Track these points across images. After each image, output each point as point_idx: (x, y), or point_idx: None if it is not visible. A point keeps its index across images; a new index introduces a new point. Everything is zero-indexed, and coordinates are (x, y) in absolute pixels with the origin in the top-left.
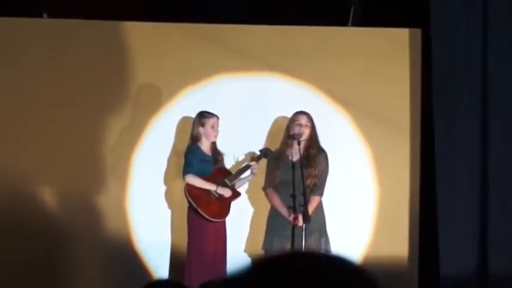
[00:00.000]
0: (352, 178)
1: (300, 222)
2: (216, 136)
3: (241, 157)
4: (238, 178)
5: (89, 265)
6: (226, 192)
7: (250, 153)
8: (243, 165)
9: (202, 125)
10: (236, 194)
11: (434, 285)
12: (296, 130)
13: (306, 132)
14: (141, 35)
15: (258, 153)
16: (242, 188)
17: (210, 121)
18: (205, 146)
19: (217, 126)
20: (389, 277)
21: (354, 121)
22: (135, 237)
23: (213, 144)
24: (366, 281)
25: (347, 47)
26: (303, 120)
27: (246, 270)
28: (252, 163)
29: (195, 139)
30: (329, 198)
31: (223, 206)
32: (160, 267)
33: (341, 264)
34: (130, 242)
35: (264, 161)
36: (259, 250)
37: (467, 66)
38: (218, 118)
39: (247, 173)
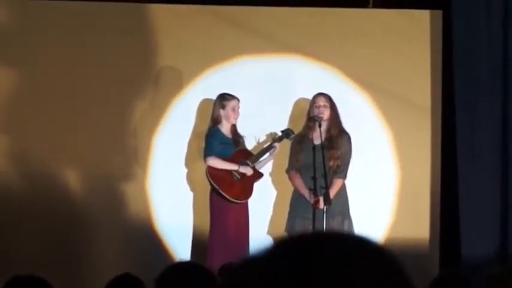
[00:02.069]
0: (373, 160)
1: (321, 204)
2: (236, 118)
3: (262, 138)
4: (259, 159)
5: (110, 247)
6: (248, 171)
7: (271, 134)
8: (265, 145)
9: (223, 107)
10: (259, 175)
11: (456, 267)
12: (316, 112)
13: (326, 113)
14: (162, 17)
15: (280, 133)
16: (266, 170)
17: (231, 103)
18: (225, 128)
19: (238, 109)
20: (411, 258)
21: (375, 103)
22: (156, 220)
23: (234, 126)
24: (388, 262)
25: (368, 28)
26: (321, 101)
27: (265, 251)
28: (275, 144)
29: (215, 121)
30: (351, 181)
31: (245, 187)
32: (182, 250)
33: (363, 244)
34: (152, 225)
35: (286, 143)
36: (282, 232)
37: (488, 47)
38: (239, 100)
39: (269, 153)
